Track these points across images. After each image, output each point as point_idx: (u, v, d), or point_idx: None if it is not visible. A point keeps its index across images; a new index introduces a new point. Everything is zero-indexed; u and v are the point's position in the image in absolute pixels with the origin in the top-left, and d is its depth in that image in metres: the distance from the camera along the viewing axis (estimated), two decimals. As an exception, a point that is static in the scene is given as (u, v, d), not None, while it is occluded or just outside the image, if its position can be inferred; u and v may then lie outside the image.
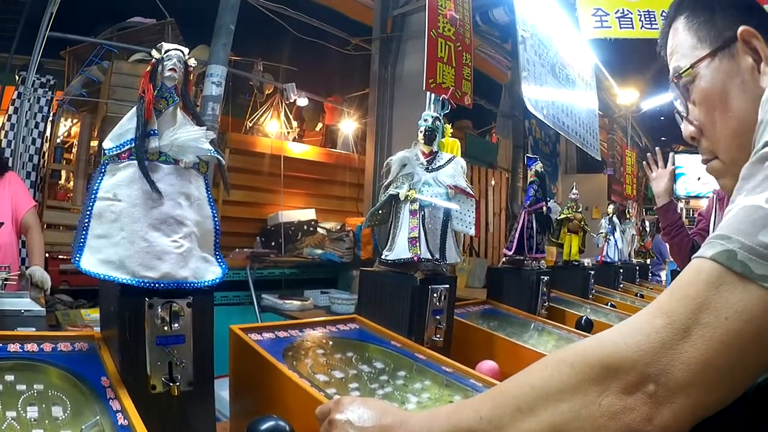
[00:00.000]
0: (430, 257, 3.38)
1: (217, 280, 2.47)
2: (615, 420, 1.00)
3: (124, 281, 2.25)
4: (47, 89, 7.89)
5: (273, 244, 9.40)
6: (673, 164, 5.26)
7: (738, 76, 1.41)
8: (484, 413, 1.18)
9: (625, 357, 1.01)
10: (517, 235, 5.02)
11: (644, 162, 5.42)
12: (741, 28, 1.39)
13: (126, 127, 2.41)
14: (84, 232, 2.31)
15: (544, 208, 5.14)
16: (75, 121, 9.97)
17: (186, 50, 2.55)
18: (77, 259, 2.28)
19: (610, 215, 7.67)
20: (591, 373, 1.05)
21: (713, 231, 1.03)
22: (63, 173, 9.61)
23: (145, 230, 2.31)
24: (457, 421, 1.23)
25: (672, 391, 0.96)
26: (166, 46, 2.51)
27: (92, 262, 2.29)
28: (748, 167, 1.05)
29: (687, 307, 0.98)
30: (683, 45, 1.56)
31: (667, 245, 5.39)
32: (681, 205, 24.19)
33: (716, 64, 1.46)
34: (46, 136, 8.13)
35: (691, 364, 0.95)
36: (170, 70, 2.47)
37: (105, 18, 10.09)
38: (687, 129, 1.61)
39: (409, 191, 3.42)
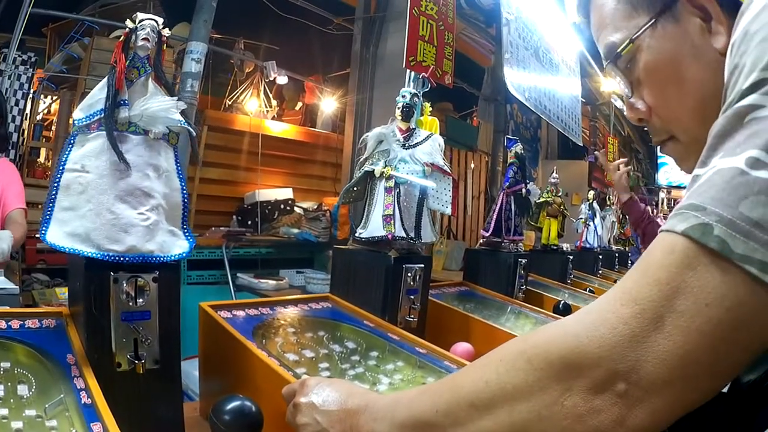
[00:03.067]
0: (404, 235, 3.35)
1: (184, 255, 2.42)
2: (581, 423, 0.92)
3: (89, 254, 2.20)
4: (28, 66, 7.88)
5: (249, 222, 9.40)
6: (626, 162, 5.34)
7: (686, 41, 1.23)
8: (440, 407, 1.11)
9: (589, 352, 0.92)
10: (495, 217, 5.00)
11: (597, 161, 5.50)
12: None
13: (96, 97, 2.36)
14: (51, 205, 2.26)
15: (523, 190, 5.12)
16: (54, 98, 9.95)
17: (161, 20, 2.50)
18: (43, 232, 2.23)
19: (591, 201, 7.66)
20: (551, 370, 0.96)
21: None
22: (42, 151, 9.58)
23: (112, 202, 2.26)
24: (416, 412, 1.17)
25: (645, 389, 0.87)
26: (140, 16, 2.46)
27: (58, 234, 2.24)
28: (723, 123, 0.91)
29: (659, 293, 0.88)
30: (614, 15, 1.37)
31: (639, 238, 5.44)
32: (662, 195, 24.34)
33: (659, 32, 1.27)
34: (26, 114, 8.10)
35: (666, 359, 0.85)
36: (143, 39, 2.42)
37: (89, -6, 10.07)
38: (633, 111, 1.44)
39: (384, 168, 3.38)
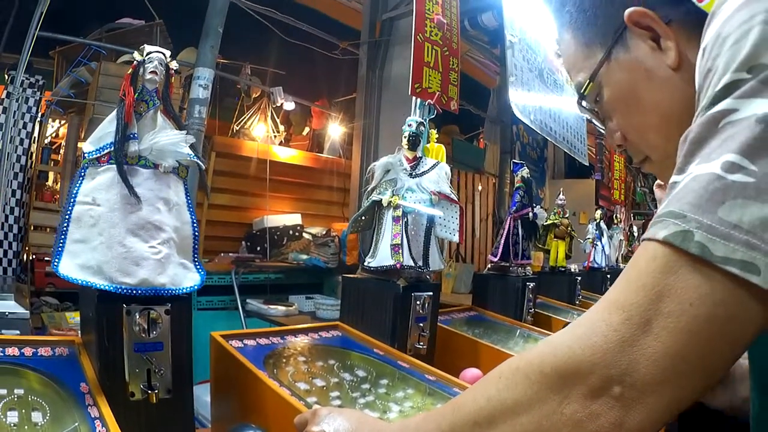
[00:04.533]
0: (413, 264, 3.36)
1: (196, 287, 2.44)
2: (581, 428, 0.94)
3: (102, 287, 2.23)
4: (36, 89, 7.85)
5: (258, 248, 9.39)
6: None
7: (639, 67, 1.30)
8: (444, 428, 1.13)
9: (582, 361, 0.95)
10: (502, 242, 5.00)
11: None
12: (627, 12, 1.27)
13: (106, 130, 2.39)
14: (63, 237, 2.29)
15: (530, 214, 5.14)
16: (62, 122, 9.95)
17: (168, 53, 2.53)
18: (56, 264, 2.26)
19: (598, 220, 7.64)
20: (548, 382, 0.98)
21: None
22: (50, 174, 9.57)
23: (123, 235, 2.28)
24: None
25: (640, 390, 0.89)
26: (148, 48, 2.49)
27: (71, 267, 2.26)
28: (698, 130, 0.94)
29: (644, 298, 0.91)
30: (576, 57, 1.46)
31: None
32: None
33: (614, 65, 1.35)
34: (34, 137, 8.10)
35: (657, 360, 0.88)
36: (151, 72, 2.45)
37: (95, 18, 10.08)
38: (611, 139, 1.51)
39: (392, 197, 3.40)
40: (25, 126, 7.67)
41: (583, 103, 1.47)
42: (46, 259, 7.59)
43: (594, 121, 1.54)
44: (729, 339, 0.88)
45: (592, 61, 1.38)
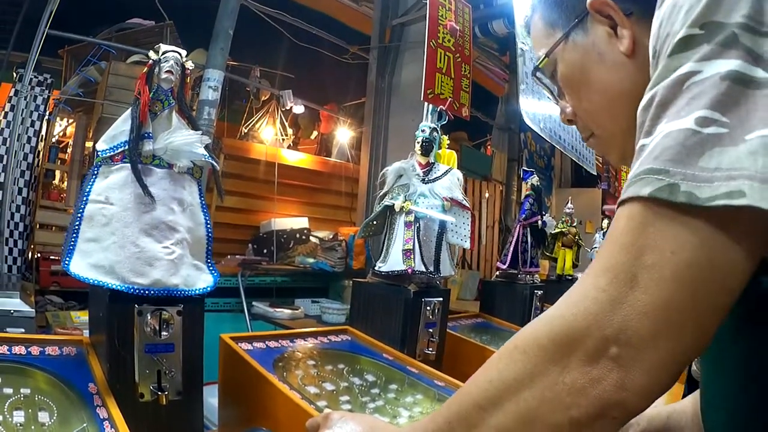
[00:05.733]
0: (424, 270, 3.36)
1: (209, 289, 2.44)
2: (584, 395, 0.93)
3: (114, 287, 2.23)
4: (44, 88, 7.83)
5: (265, 251, 9.37)
6: None
7: (594, 49, 1.36)
8: (451, 418, 1.12)
9: (576, 327, 0.94)
10: (511, 249, 5.01)
11: None
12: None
13: (120, 128, 2.39)
14: (74, 235, 2.28)
15: (539, 222, 5.14)
16: (70, 121, 9.92)
17: (183, 52, 2.54)
18: (67, 262, 2.26)
19: (604, 230, 7.64)
20: (545, 354, 0.98)
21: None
22: (57, 173, 9.54)
23: (137, 235, 2.28)
24: (432, 431, 1.18)
25: (637, 347, 0.89)
26: (163, 47, 2.49)
27: (82, 266, 2.26)
28: (662, 93, 0.95)
29: (627, 256, 0.91)
30: (540, 35, 1.52)
31: None
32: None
33: (570, 45, 1.42)
34: (41, 136, 8.08)
35: (648, 313, 0.88)
36: (167, 72, 2.45)
37: (104, 18, 10.06)
38: (562, 114, 1.58)
39: (404, 202, 3.40)
40: (32, 124, 7.66)
41: (537, 75, 1.56)
42: (51, 257, 7.57)
43: (547, 95, 1.62)
44: (715, 283, 0.88)
45: (551, 40, 1.45)
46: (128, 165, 2.33)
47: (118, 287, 2.23)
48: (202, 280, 2.45)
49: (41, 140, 8.12)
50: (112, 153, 2.37)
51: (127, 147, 2.34)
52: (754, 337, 1.06)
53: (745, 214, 0.82)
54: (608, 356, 0.91)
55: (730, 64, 0.89)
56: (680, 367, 0.91)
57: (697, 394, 1.50)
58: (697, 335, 0.90)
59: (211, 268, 2.54)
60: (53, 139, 9.49)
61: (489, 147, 13.99)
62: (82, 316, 5.46)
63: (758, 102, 0.87)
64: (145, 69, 2.48)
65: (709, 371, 1.25)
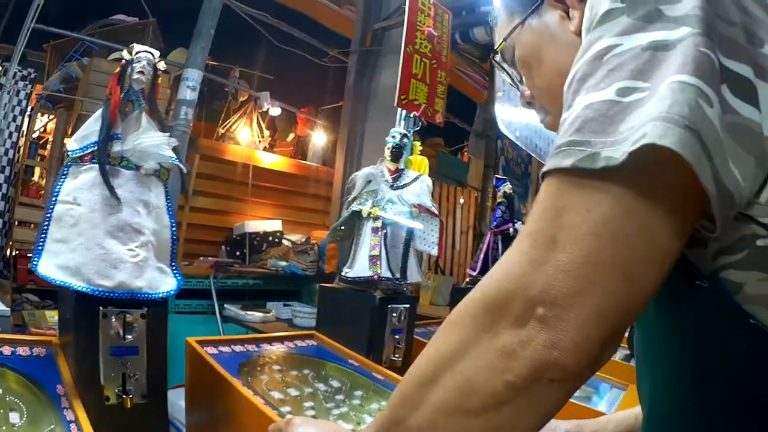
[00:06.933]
0: (390, 276, 3.37)
1: (172, 292, 2.44)
2: (516, 358, 0.92)
3: (79, 288, 2.23)
4: (27, 82, 7.75)
5: (238, 253, 9.34)
6: None
7: (546, 31, 1.41)
8: (397, 402, 1.11)
9: (502, 292, 0.95)
10: (482, 256, 5.02)
11: None
12: None
13: (91, 128, 2.40)
14: (43, 236, 2.29)
15: (511, 230, 5.15)
16: (51, 117, 9.87)
17: (157, 53, 2.54)
18: (35, 263, 2.26)
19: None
20: (477, 323, 0.98)
21: None
22: (36, 170, 9.51)
23: (102, 237, 2.28)
24: (380, 421, 1.17)
25: (562, 306, 0.89)
26: (137, 47, 2.50)
27: (50, 267, 2.26)
28: (582, 68, 0.98)
29: (546, 219, 0.93)
30: (501, 25, 1.58)
31: None
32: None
33: (526, 29, 1.47)
34: (23, 131, 8.03)
35: (569, 271, 0.88)
36: (138, 72, 2.46)
37: (90, 13, 10.02)
38: (522, 97, 1.63)
39: (372, 208, 3.41)
40: (14, 119, 7.61)
41: (497, 59, 1.63)
42: (29, 255, 7.52)
43: (508, 81, 1.67)
44: (636, 238, 0.89)
45: (510, 26, 1.52)
46: (97, 166, 2.33)
47: (84, 289, 2.23)
48: (166, 283, 2.45)
49: (22, 136, 8.08)
50: (81, 153, 2.38)
51: (96, 147, 2.34)
52: (676, 311, 1.09)
53: (652, 157, 0.83)
54: (535, 317, 0.91)
55: (652, 35, 0.92)
56: (613, 323, 0.91)
57: None
58: (626, 290, 0.90)
59: (175, 271, 2.54)
60: (34, 135, 9.44)
61: (466, 153, 14.02)
62: (56, 316, 5.44)
63: (674, 55, 0.89)
64: (118, 69, 2.48)
65: (639, 342, 1.28)
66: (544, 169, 0.96)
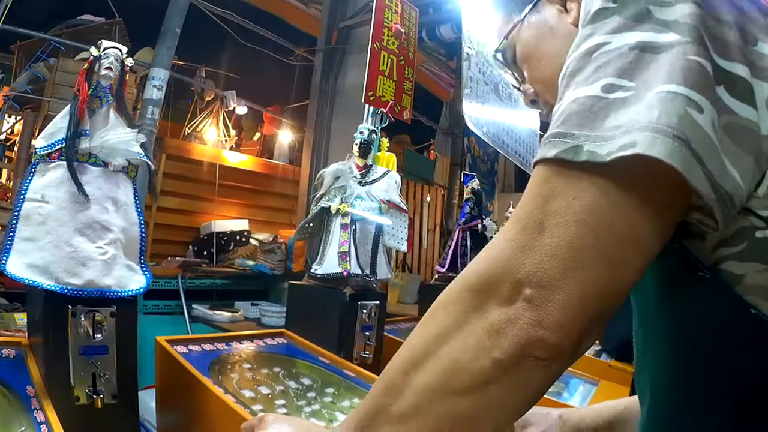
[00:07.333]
0: (360, 273, 3.37)
1: (142, 290, 2.43)
2: (504, 336, 0.95)
3: (48, 287, 2.21)
4: (-5, 84, 7.76)
5: (205, 253, 9.31)
6: None
7: (545, 25, 1.47)
8: (380, 388, 1.12)
9: (490, 274, 0.98)
10: (450, 253, 5.04)
11: None
12: None
13: (58, 125, 2.38)
14: (11, 234, 2.27)
15: (479, 226, 5.16)
16: (18, 118, 9.82)
17: (125, 49, 2.53)
18: (3, 262, 2.24)
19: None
20: (464, 303, 1.01)
21: None
22: (3, 172, 9.46)
23: (71, 234, 2.27)
24: (363, 411, 1.16)
25: (548, 287, 0.93)
26: (105, 44, 2.49)
27: (18, 265, 2.24)
28: (572, 64, 1.02)
29: (534, 206, 0.96)
30: (500, 26, 1.61)
31: None
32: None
33: (525, 25, 1.52)
34: (-10, 133, 8.00)
35: (555, 255, 0.92)
36: (107, 68, 2.45)
37: (57, 13, 9.97)
38: (525, 96, 1.67)
39: (340, 204, 3.41)
40: (-18, 121, 7.59)
41: (498, 56, 1.66)
42: (-4, 258, 7.47)
43: (508, 78, 1.73)
44: (619, 227, 0.91)
45: (509, 25, 1.57)
46: (65, 163, 2.31)
47: (52, 287, 2.21)
48: (135, 281, 2.43)
49: (-11, 137, 8.04)
50: (49, 150, 2.36)
51: (64, 144, 2.33)
52: (679, 305, 1.11)
53: (640, 163, 0.86)
54: (522, 297, 0.94)
55: (640, 35, 0.95)
56: (598, 304, 0.94)
57: None
58: (609, 275, 0.93)
59: (144, 268, 2.52)
60: (1, 137, 9.39)
61: (432, 151, 14.04)
62: (25, 318, 5.40)
63: (661, 62, 0.91)
64: (86, 65, 2.46)
65: (638, 335, 1.30)
66: (534, 159, 1.00)
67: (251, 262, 8.39)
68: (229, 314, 6.70)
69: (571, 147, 0.92)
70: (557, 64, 1.31)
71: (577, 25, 1.24)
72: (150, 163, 2.53)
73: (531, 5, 1.50)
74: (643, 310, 1.19)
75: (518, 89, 1.71)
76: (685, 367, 1.14)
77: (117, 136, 2.41)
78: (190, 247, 9.60)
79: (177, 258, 7.89)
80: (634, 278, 0.95)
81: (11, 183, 9.14)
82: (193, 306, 6.94)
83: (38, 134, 7.55)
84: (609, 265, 0.92)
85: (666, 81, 0.89)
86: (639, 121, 0.87)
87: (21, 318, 5.55)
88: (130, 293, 2.38)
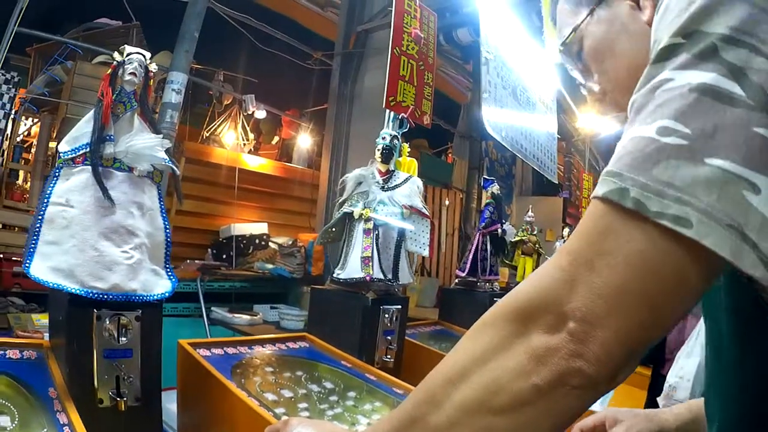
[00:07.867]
0: (382, 277, 3.37)
1: (167, 294, 2.44)
2: (544, 363, 0.97)
3: (73, 291, 2.22)
4: (11, 86, 7.74)
5: (224, 256, 9.31)
6: None
7: (617, 21, 1.45)
8: (419, 398, 1.13)
9: (538, 300, 1.00)
10: (470, 257, 5.03)
11: None
12: None
13: (82, 130, 2.39)
14: (35, 238, 2.28)
15: (499, 230, 5.16)
16: (35, 120, 9.83)
17: (148, 55, 2.54)
18: (27, 265, 2.25)
19: (565, 238, 7.67)
20: (510, 326, 1.03)
21: None
22: (21, 173, 9.48)
23: (96, 239, 2.27)
24: (398, 418, 1.17)
25: (591, 323, 0.94)
26: (128, 49, 2.50)
27: (42, 269, 2.25)
28: (640, 98, 1.00)
29: (587, 241, 0.97)
30: (566, 16, 1.59)
31: None
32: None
33: (595, 19, 1.49)
34: (7, 134, 8.00)
35: (602, 293, 0.93)
36: (131, 74, 2.46)
37: (73, 16, 9.98)
38: (591, 95, 1.65)
39: (363, 210, 3.41)
40: (-2, 122, 7.60)
41: (568, 51, 1.62)
42: (13, 258, 7.49)
43: (573, 74, 1.69)
44: (668, 279, 0.92)
45: (577, 18, 1.53)
46: (89, 167, 2.32)
47: (77, 291, 2.22)
48: (161, 285, 2.45)
49: (6, 139, 8.05)
50: (73, 155, 2.37)
51: (88, 149, 2.34)
52: (751, 341, 1.14)
53: (690, 240, 0.87)
54: (566, 330, 0.96)
55: (703, 76, 0.92)
56: (636, 343, 0.95)
57: None
58: (651, 318, 0.94)
59: (169, 273, 2.53)
60: (18, 139, 9.41)
61: (450, 155, 14.01)
62: (42, 319, 5.41)
63: (728, 121, 0.89)
64: (109, 70, 2.47)
65: (711, 362, 1.34)
66: (592, 195, 1.00)
67: (270, 266, 8.39)
68: (248, 317, 6.71)
69: (617, 188, 0.93)
70: (629, 63, 1.40)
71: (650, 25, 1.21)
72: (175, 168, 2.54)
73: None
74: (717, 343, 1.22)
75: (582, 86, 1.70)
76: (751, 395, 1.17)
77: (142, 142, 2.42)
78: (209, 250, 9.60)
79: (196, 261, 7.90)
80: (674, 321, 0.98)
81: (28, 184, 9.15)
82: (212, 309, 6.95)
83: (56, 136, 7.56)
84: (650, 310, 0.94)
85: (725, 154, 0.88)
86: (696, 196, 0.88)
87: (38, 319, 5.56)
88: (155, 297, 2.39)
